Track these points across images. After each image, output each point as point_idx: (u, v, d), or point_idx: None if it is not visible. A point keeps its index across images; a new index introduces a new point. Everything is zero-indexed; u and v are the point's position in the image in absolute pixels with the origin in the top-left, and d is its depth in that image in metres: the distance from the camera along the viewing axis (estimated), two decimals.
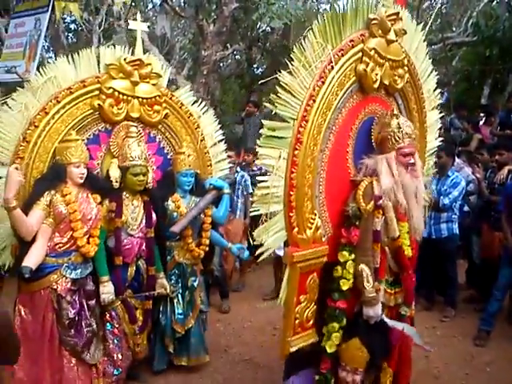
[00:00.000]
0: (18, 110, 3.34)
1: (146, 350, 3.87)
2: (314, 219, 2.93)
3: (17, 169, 3.09)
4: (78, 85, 3.50)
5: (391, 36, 3.05)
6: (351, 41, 2.93)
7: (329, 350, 2.98)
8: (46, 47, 9.97)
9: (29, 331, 3.20)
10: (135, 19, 4.13)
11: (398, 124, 3.07)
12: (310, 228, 2.91)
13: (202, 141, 4.14)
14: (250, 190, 6.42)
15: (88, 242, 3.36)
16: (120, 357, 3.56)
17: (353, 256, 2.97)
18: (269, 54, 11.68)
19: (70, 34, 14.98)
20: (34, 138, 3.34)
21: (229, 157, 6.26)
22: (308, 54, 2.81)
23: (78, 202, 3.32)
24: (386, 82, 3.16)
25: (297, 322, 2.92)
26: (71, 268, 3.30)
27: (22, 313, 3.23)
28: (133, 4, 11.10)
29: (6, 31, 9.96)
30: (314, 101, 2.80)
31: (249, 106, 9.24)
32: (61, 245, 3.28)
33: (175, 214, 3.94)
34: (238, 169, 6.45)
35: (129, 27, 4.37)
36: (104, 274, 3.48)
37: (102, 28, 11.40)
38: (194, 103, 4.17)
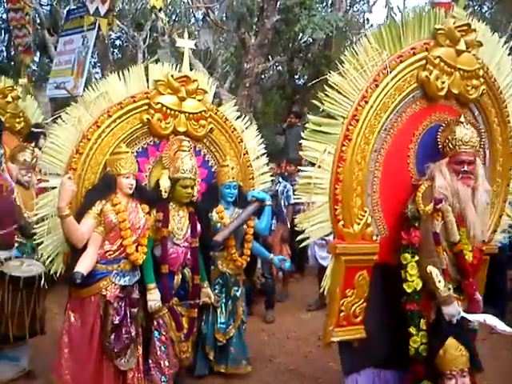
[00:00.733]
0: (71, 123, 3.48)
1: (191, 357, 3.91)
2: (364, 215, 3.02)
3: (70, 178, 3.21)
4: (128, 100, 3.61)
5: (461, 46, 3.14)
6: (412, 48, 3.06)
7: (411, 354, 2.99)
8: (92, 63, 10.29)
9: (77, 337, 3.30)
10: (182, 36, 4.24)
11: (456, 131, 3.07)
12: (358, 224, 3.00)
13: (244, 154, 4.21)
14: (292, 201, 6.43)
15: (136, 250, 3.44)
16: (167, 364, 3.60)
17: (416, 258, 2.99)
18: (310, 64, 11.71)
19: (116, 50, 15.45)
20: (87, 151, 3.46)
21: (270, 168, 6.39)
22: (361, 57, 2.97)
23: (128, 211, 3.42)
24: (456, 92, 3.21)
25: (342, 314, 3.01)
26: (120, 275, 3.38)
27: (72, 319, 3.33)
28: (176, 19, 11.39)
29: (55, 49, 10.35)
30: (367, 102, 2.98)
31: (290, 117, 9.26)
32: (111, 252, 3.37)
33: (219, 224, 4.01)
34: (280, 179, 6.48)
35: (176, 45, 4.47)
36: (151, 282, 3.55)
37: (146, 43, 11.73)
38: (237, 118, 4.25)
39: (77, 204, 3.43)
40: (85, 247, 3.27)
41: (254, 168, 4.32)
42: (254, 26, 10.38)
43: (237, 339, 4.17)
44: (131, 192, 3.45)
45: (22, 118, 5.93)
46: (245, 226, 4.11)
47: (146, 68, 3.79)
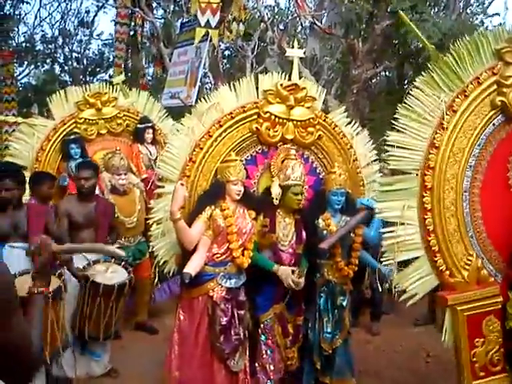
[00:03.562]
0: (185, 133, 3.69)
1: (297, 363, 3.90)
2: (472, 260, 2.92)
3: (182, 185, 3.37)
4: (238, 110, 3.76)
5: None
6: (476, 79, 2.94)
7: None
8: (203, 73, 10.67)
9: (185, 334, 3.48)
10: (290, 45, 4.27)
11: None
12: (467, 269, 2.91)
13: (354, 161, 4.16)
14: None
15: (242, 254, 3.54)
16: (272, 368, 3.65)
17: None
18: (421, 69, 11.30)
19: (225, 60, 15.94)
20: (199, 159, 3.62)
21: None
22: (416, 108, 2.95)
23: (235, 216, 3.54)
24: None
25: (476, 365, 2.89)
26: (226, 277, 3.51)
27: (181, 317, 3.52)
28: (284, 28, 11.53)
29: (170, 60, 10.90)
30: (438, 147, 2.90)
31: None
32: (218, 255, 3.50)
33: (325, 232, 3.96)
34: None
35: (286, 54, 4.52)
36: (272, 265, 3.61)
37: (254, 53, 11.98)
38: (347, 124, 4.22)
39: (189, 208, 3.61)
40: (194, 249, 3.42)
41: (364, 175, 4.25)
42: (363, 32, 10.23)
43: (342, 350, 4.08)
44: (239, 198, 3.56)
45: (123, 118, 6.11)
46: (352, 234, 4.04)
47: (256, 78, 3.89)
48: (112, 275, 4.01)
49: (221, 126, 3.68)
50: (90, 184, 4.34)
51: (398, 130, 2.95)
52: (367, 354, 4.95)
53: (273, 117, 3.80)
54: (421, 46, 10.24)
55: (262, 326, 3.68)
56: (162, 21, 14.17)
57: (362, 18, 10.30)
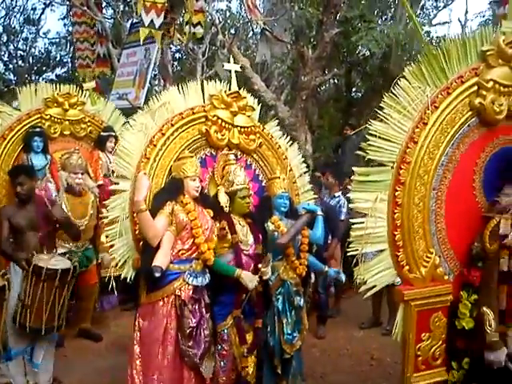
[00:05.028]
0: (138, 129, 3.64)
1: (254, 372, 3.83)
2: (430, 257, 2.97)
3: (145, 174, 3.35)
4: (188, 111, 3.79)
5: None
6: (460, 77, 2.97)
7: None
8: (153, 75, 10.54)
9: (149, 345, 3.26)
10: (228, 60, 4.44)
11: None
12: (425, 266, 2.96)
13: (290, 171, 4.29)
14: (342, 217, 6.33)
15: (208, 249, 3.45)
16: (224, 379, 3.55)
17: (473, 297, 2.95)
18: (368, 77, 11.58)
19: (175, 63, 15.81)
20: (153, 156, 3.59)
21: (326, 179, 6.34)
22: (402, 99, 2.93)
23: (197, 212, 3.46)
24: None
25: (419, 359, 2.96)
26: (193, 275, 3.38)
27: (142, 326, 3.31)
28: (235, 33, 11.54)
29: (118, 61, 10.70)
30: (416, 142, 2.92)
31: (346, 130, 9.24)
32: (183, 251, 3.38)
33: (276, 233, 3.94)
34: (337, 194, 6.41)
35: (224, 68, 4.67)
36: (233, 270, 3.52)
37: (205, 56, 11.94)
38: (280, 137, 4.37)
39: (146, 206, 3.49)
40: (158, 247, 3.29)
41: (298, 185, 4.39)
42: (313, 39, 10.38)
43: (297, 353, 4.06)
44: (197, 194, 3.52)
45: (88, 124, 6.18)
46: (299, 236, 4.05)
47: (202, 83, 3.96)
48: (56, 262, 4.01)
49: (172, 125, 3.69)
50: (26, 188, 4.23)
51: (381, 120, 2.95)
52: (313, 358, 4.98)
53: (220, 121, 3.86)
54: (368, 54, 10.51)
55: (218, 336, 3.58)
56: (112, 21, 13.92)
57: (312, 25, 10.47)
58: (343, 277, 4.30)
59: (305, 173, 4.50)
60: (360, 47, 9.75)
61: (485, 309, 2.86)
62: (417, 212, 2.94)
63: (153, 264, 3.20)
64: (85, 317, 5.36)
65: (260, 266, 3.62)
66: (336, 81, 13.38)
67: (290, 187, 4.27)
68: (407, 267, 2.93)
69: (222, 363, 3.57)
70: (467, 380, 3.01)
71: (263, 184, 4.23)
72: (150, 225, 3.24)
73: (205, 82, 3.99)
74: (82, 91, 6.34)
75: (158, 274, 3.15)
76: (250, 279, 3.52)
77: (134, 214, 3.39)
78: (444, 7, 15.01)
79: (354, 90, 13.04)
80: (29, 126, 5.82)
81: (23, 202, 4.26)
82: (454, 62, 2.98)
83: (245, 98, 4.03)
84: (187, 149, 3.76)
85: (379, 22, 10.99)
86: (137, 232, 3.46)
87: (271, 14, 11.22)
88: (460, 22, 15.51)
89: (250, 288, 3.52)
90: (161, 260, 3.26)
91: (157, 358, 3.24)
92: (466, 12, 17.21)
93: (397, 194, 2.90)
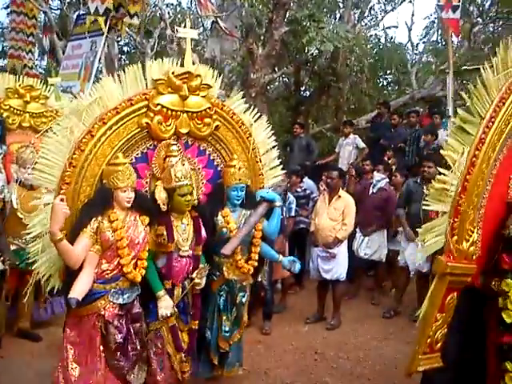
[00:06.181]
0: (62, 135, 3.25)
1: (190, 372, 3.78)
2: (473, 232, 2.77)
3: (62, 200, 3.03)
4: (124, 104, 3.35)
5: None
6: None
7: None
8: (100, 68, 10.27)
9: (78, 353, 3.17)
10: (185, 25, 3.95)
11: None
12: (468, 240, 2.75)
13: (253, 149, 4.00)
14: (293, 214, 6.38)
15: (136, 267, 3.30)
16: (163, 375, 3.51)
17: None
18: (316, 76, 11.72)
19: (124, 56, 15.51)
20: (81, 163, 3.23)
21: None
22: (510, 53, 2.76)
23: (126, 226, 3.26)
24: None
25: (428, 340, 2.79)
26: (118, 293, 3.25)
27: (69, 334, 3.20)
28: (184, 27, 11.42)
29: (63, 53, 10.40)
30: (504, 104, 2.74)
31: (295, 128, 9.29)
32: (108, 271, 3.23)
33: (224, 230, 3.85)
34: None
35: (178, 35, 4.34)
36: (159, 289, 3.44)
37: (154, 51, 11.77)
38: (245, 111, 4.02)
39: (72, 220, 3.21)
40: (81, 267, 3.13)
41: (263, 163, 4.13)
42: (262, 37, 10.40)
43: (236, 344, 4.08)
44: (129, 205, 3.29)
45: (49, 118, 5.87)
46: (253, 230, 3.94)
47: (143, 67, 3.47)
48: None
49: (104, 123, 3.27)
50: None
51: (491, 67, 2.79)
52: (258, 354, 5.00)
53: (165, 109, 3.47)
54: (316, 53, 10.64)
55: (151, 335, 3.52)
56: (58, 12, 13.51)
57: (262, 22, 10.51)
58: (298, 266, 4.15)
59: (272, 148, 4.18)
60: (309, 46, 9.82)
61: None
62: (480, 180, 2.72)
63: (69, 295, 3.03)
64: (24, 315, 5.18)
65: (194, 275, 3.56)
66: (285, 79, 13.48)
67: (253, 168, 4.03)
68: (456, 237, 2.70)
69: (158, 362, 3.52)
70: None
71: (219, 168, 3.97)
72: (70, 255, 3.05)
73: (148, 63, 3.52)
74: (47, 86, 6.04)
75: (73, 306, 3.00)
76: (165, 306, 3.44)
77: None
78: (392, 10, 15.35)
79: (302, 88, 13.17)
80: None
81: None
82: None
83: (198, 76, 3.56)
84: (124, 147, 3.42)
85: (328, 21, 11.12)
86: None
87: (222, 10, 11.19)
88: (407, 25, 15.93)
89: (159, 314, 3.43)
90: (80, 287, 3.08)
91: (86, 369, 3.15)
92: (413, 15, 17.73)
93: (477, 153, 2.67)
